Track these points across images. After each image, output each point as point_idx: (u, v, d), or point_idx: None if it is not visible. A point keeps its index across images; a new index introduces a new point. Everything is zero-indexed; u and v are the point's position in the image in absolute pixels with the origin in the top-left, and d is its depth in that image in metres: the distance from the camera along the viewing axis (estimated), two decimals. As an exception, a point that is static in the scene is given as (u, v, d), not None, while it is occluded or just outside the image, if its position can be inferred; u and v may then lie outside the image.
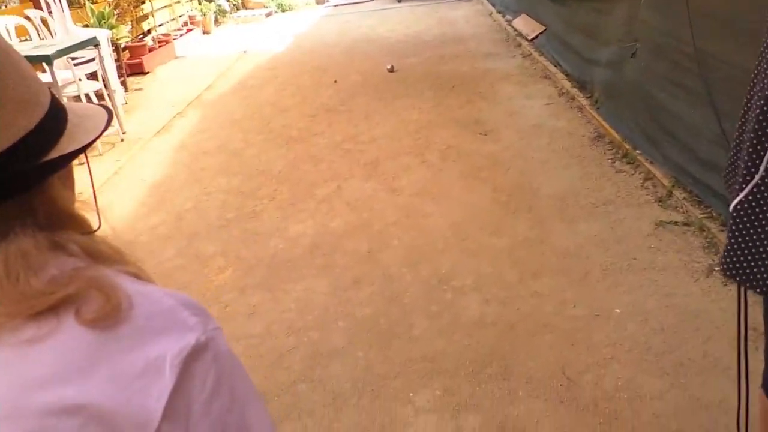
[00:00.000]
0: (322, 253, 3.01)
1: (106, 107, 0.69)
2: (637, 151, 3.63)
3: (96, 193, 0.74)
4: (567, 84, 5.07)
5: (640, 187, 3.32)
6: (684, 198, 3.03)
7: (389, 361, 2.24)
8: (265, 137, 4.75)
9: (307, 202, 3.58)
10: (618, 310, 2.35)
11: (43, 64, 4.15)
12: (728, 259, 1.26)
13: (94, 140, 0.62)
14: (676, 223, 2.90)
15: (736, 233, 1.23)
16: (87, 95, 4.86)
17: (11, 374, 0.49)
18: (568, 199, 3.28)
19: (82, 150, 0.60)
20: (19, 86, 0.54)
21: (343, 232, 3.19)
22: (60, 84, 4.72)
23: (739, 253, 1.24)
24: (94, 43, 4.74)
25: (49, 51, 4.11)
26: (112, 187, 4.03)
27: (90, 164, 0.72)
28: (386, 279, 2.74)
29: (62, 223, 0.59)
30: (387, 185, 3.70)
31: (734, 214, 1.23)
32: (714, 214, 2.84)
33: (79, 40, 4.58)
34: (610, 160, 3.71)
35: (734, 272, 1.25)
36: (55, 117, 0.58)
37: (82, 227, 0.63)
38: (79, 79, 5.04)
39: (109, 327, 0.53)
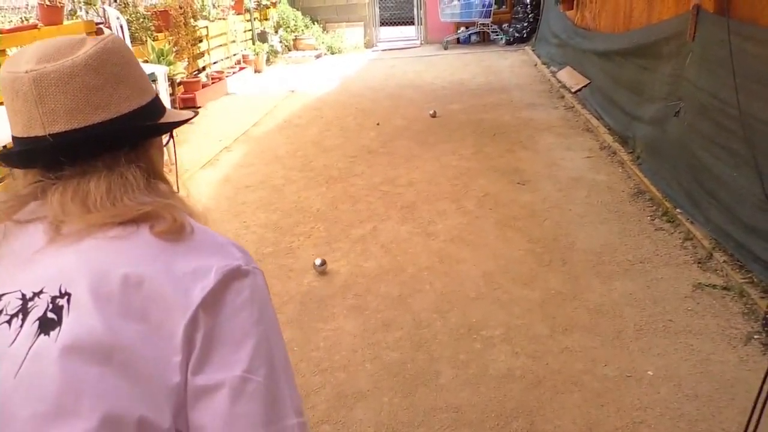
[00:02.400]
0: (354, 294, 3.05)
1: (192, 110, 1.00)
2: (678, 210, 3.58)
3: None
4: (609, 138, 5.06)
5: (680, 247, 3.26)
6: (724, 261, 2.97)
7: (414, 408, 2.23)
8: (306, 175, 4.86)
9: (342, 241, 3.64)
10: (650, 373, 2.29)
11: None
12: None
13: (184, 122, 0.89)
14: (715, 286, 2.84)
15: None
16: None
17: (101, 254, 0.72)
18: (605, 255, 3.24)
19: (175, 125, 0.87)
20: (141, 76, 0.83)
21: (376, 274, 3.23)
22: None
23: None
24: (152, 78, 4.98)
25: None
26: (157, 215, 4.17)
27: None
28: (416, 324, 2.75)
29: (155, 175, 0.83)
30: (422, 229, 3.74)
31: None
32: (755, 280, 2.76)
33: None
34: (649, 218, 3.67)
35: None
36: (158, 102, 0.86)
37: (167, 184, 0.86)
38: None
39: (173, 240, 0.74)
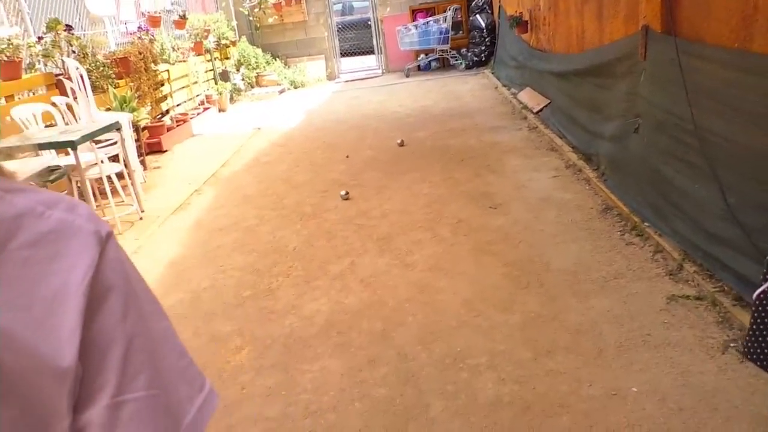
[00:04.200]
0: (336, 332, 3.04)
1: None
2: (646, 224, 3.68)
3: None
4: (573, 156, 5.19)
5: (651, 260, 3.35)
6: (695, 271, 3.06)
7: (406, 445, 2.23)
8: (279, 213, 4.86)
9: (321, 279, 3.64)
10: (635, 389, 2.34)
11: (68, 149, 4.35)
12: (752, 347, 1.29)
13: None
14: (688, 297, 2.92)
15: (758, 321, 1.27)
16: (108, 177, 5.04)
17: None
18: (579, 274, 3.31)
19: None
20: None
21: (358, 310, 3.23)
22: (83, 167, 4.92)
23: (761, 340, 1.27)
24: (116, 127, 4.96)
25: (74, 137, 4.31)
26: (131, 266, 4.11)
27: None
28: (401, 358, 2.75)
29: None
30: (400, 260, 3.76)
31: (756, 302, 1.28)
32: (725, 288, 2.85)
33: (102, 125, 4.80)
34: (619, 233, 3.76)
35: (758, 359, 1.28)
36: None
37: None
38: (102, 161, 5.25)
39: None
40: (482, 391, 2.46)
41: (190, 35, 10.13)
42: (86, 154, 4.95)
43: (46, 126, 5.45)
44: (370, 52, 13.60)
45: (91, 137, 4.57)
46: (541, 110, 6.86)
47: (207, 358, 2.91)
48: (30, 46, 5.94)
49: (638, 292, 3.05)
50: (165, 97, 8.53)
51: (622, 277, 3.21)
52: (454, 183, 5.13)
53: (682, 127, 3.34)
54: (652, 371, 2.43)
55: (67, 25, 6.17)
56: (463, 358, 2.69)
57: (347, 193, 5.08)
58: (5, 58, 5.36)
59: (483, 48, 11.46)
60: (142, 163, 6.67)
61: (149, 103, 7.71)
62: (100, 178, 4.84)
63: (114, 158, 5.40)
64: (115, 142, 5.18)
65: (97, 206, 5.14)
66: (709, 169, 3.04)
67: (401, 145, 6.58)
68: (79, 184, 4.74)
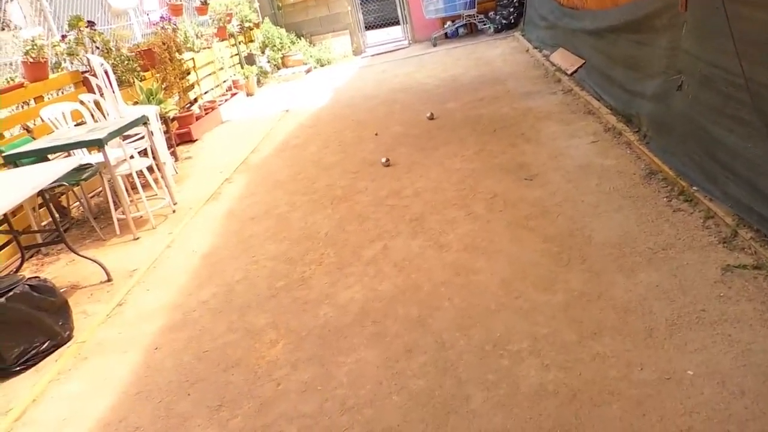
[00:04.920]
0: (371, 321, 2.96)
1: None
2: (694, 188, 3.45)
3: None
4: (612, 119, 4.93)
5: (702, 228, 3.14)
6: (751, 238, 2.84)
7: (447, 440, 2.14)
8: (310, 198, 4.78)
9: (354, 265, 3.55)
10: (690, 372, 2.18)
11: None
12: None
13: None
14: (745, 266, 2.71)
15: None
16: (140, 172, 5.04)
17: None
18: (624, 246, 3.13)
19: None
20: None
21: (392, 296, 3.13)
22: (113, 163, 4.92)
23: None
24: (143, 121, 4.94)
25: (101, 135, 4.30)
26: (166, 261, 4.12)
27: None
28: (439, 346, 2.65)
29: None
30: (434, 241, 3.64)
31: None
32: (786, 255, 2.64)
33: (130, 120, 4.78)
34: (665, 199, 3.54)
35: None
36: None
37: None
38: (131, 157, 5.25)
39: None
40: (525, 379, 2.34)
41: (213, 21, 10.07)
42: (116, 150, 4.96)
43: (76, 124, 5.48)
44: (396, 23, 13.30)
45: (118, 134, 4.55)
46: (575, 71, 6.56)
47: (242, 354, 2.86)
48: (54, 46, 5.96)
49: (689, 264, 2.85)
50: (192, 86, 8.52)
51: (671, 248, 3.02)
52: (488, 155, 4.94)
53: (730, 81, 3.08)
54: (709, 351, 2.26)
55: (89, 21, 6.16)
56: (504, 344, 2.57)
57: (388, 159, 5.18)
58: (31, 60, 5.38)
59: (512, 10, 11.05)
60: (173, 154, 6.67)
61: (176, 93, 7.70)
62: (130, 175, 4.83)
63: (144, 152, 5.40)
64: (143, 137, 5.17)
65: (130, 201, 5.16)
66: (764, 125, 2.80)
67: (431, 118, 6.40)
68: (110, 182, 4.74)
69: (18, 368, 2.93)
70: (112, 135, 4.44)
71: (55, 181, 4.25)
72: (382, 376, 2.54)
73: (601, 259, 3.07)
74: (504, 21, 11.15)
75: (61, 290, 3.86)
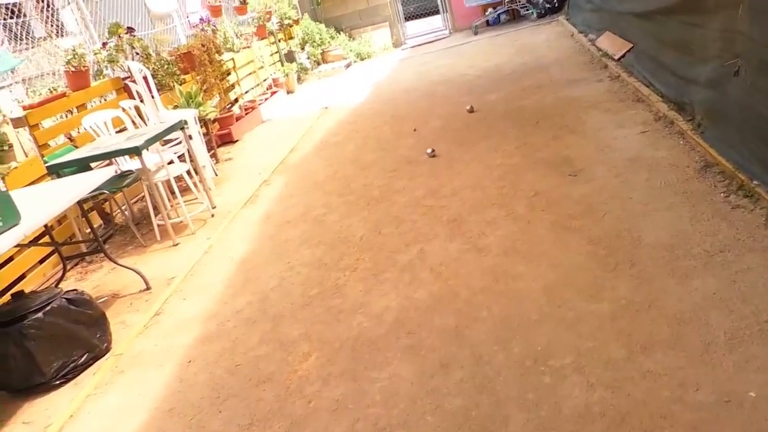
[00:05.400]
0: (406, 332, 2.84)
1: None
2: (755, 182, 3.18)
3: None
4: (663, 107, 4.64)
5: (764, 226, 2.88)
6: (820, 238, 2.59)
7: (484, 467, 2.01)
8: (347, 199, 4.70)
9: (389, 270, 3.44)
10: (753, 394, 1.98)
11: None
12: None
13: None
14: (814, 271, 2.47)
15: None
16: (180, 176, 5.07)
17: None
18: (678, 249, 2.90)
19: None
20: None
21: (428, 305, 3.01)
22: (153, 169, 4.96)
23: None
24: (180, 126, 4.95)
25: (138, 142, 4.31)
26: (203, 268, 4.11)
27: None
28: (476, 360, 2.52)
29: None
30: (472, 244, 3.49)
31: None
32: None
33: (168, 125, 4.79)
34: (722, 195, 3.28)
35: None
36: None
37: None
38: (171, 162, 5.28)
39: None
40: (568, 399, 2.18)
41: (253, 20, 10.09)
42: (155, 156, 4.99)
43: (118, 131, 5.55)
44: (436, 12, 13.06)
45: (155, 140, 4.56)
46: (623, 56, 6.24)
47: (274, 368, 2.80)
48: (96, 53, 6.05)
49: (751, 268, 2.62)
50: (232, 86, 8.56)
51: (730, 250, 2.78)
52: (530, 149, 4.74)
53: (794, 66, 2.81)
54: (774, 370, 2.05)
55: (128, 28, 6.23)
56: (545, 359, 2.41)
57: (433, 150, 5.18)
58: (72, 69, 5.47)
59: (556, -7, 10.66)
60: (214, 156, 6.71)
61: (217, 94, 7.74)
62: (175, 177, 4.86)
63: (184, 157, 5.43)
64: (180, 141, 5.19)
65: (170, 206, 5.20)
66: (834, 115, 2.53)
67: (471, 111, 6.21)
68: (149, 188, 4.78)
69: (57, 382, 2.96)
70: (149, 142, 4.45)
71: (95, 190, 4.31)
72: (416, 394, 2.42)
73: (651, 263, 2.86)
74: (548, 5, 10.78)
75: (102, 299, 3.92)
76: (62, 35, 8.15)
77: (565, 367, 2.35)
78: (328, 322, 3.09)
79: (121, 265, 3.98)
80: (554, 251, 3.20)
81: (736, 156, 3.44)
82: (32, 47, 7.49)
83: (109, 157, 4.48)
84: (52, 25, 8.18)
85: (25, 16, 7.88)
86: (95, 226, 5.28)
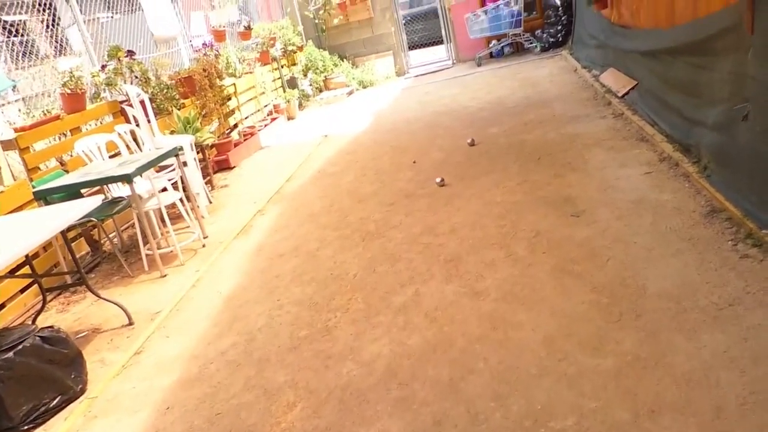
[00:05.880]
0: (398, 383, 2.68)
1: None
2: (764, 231, 3.05)
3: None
4: (668, 147, 4.54)
5: (775, 280, 2.75)
6: (837, 296, 2.45)
7: None
8: (341, 233, 4.56)
9: (383, 313, 3.30)
10: (769, 471, 1.82)
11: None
12: None
13: None
14: (831, 332, 2.32)
15: None
16: (173, 204, 4.95)
17: None
18: (684, 300, 2.76)
19: None
20: None
21: (422, 353, 2.86)
22: (146, 196, 4.84)
23: None
24: (174, 153, 4.84)
25: (129, 170, 4.20)
26: (190, 303, 3.96)
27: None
28: (471, 419, 2.36)
29: None
30: (469, 287, 3.35)
31: None
32: None
33: (161, 152, 4.69)
34: (730, 243, 3.15)
35: None
36: None
37: None
38: (164, 189, 5.17)
39: None
40: (568, 468, 2.02)
41: (257, 45, 10.08)
42: (147, 183, 4.88)
43: (112, 156, 5.45)
44: (440, 42, 13.09)
45: (147, 167, 4.45)
46: (627, 93, 6.17)
47: (256, 419, 2.64)
48: (94, 76, 5.99)
49: (762, 325, 2.47)
50: (232, 111, 8.50)
51: (739, 304, 2.64)
52: (531, 187, 4.62)
53: (808, 113, 2.70)
54: (792, 444, 1.90)
55: (128, 51, 6.17)
56: (546, 420, 2.25)
57: (442, 180, 5.14)
58: (68, 91, 5.39)
59: (559, 27, 10.67)
60: (209, 183, 6.60)
61: (216, 120, 7.67)
62: (167, 205, 4.74)
63: (177, 184, 5.32)
64: (175, 168, 5.08)
65: (161, 235, 5.07)
66: None
67: (472, 144, 6.12)
68: (139, 216, 4.65)
69: (26, 427, 2.79)
70: (141, 169, 4.34)
71: (83, 217, 4.18)
72: (405, 453, 2.26)
73: (657, 314, 2.71)
74: (551, 39, 10.78)
75: (82, 334, 3.76)
76: (67, 54, 8.12)
77: (566, 429, 2.19)
78: (316, 368, 2.94)
79: (103, 299, 3.84)
80: (555, 298, 3.05)
81: (744, 202, 3.32)
82: (38, 65, 7.44)
83: (99, 184, 4.36)
84: (57, 44, 8.16)
85: (28, 34, 7.87)
86: (83, 253, 5.15)
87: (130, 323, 3.80)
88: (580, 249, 3.48)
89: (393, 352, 2.91)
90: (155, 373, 3.19)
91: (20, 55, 7.30)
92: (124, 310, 3.81)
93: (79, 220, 4.19)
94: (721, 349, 2.40)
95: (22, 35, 7.46)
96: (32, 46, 7.78)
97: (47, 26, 7.71)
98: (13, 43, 7.34)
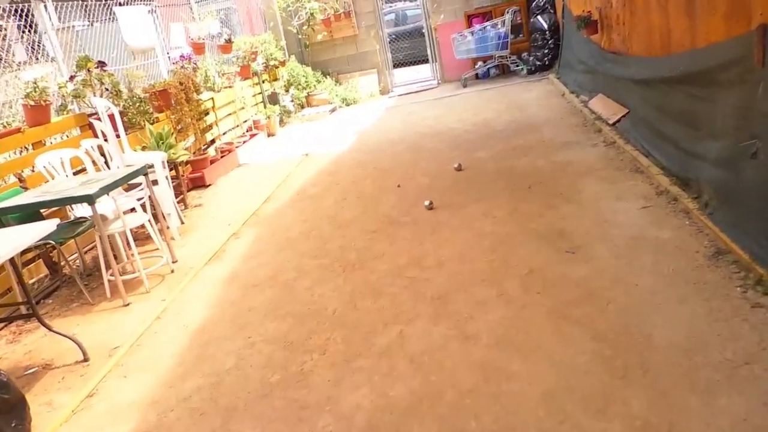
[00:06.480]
0: (380, 442, 2.40)
1: None
2: (777, 278, 2.85)
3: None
4: (664, 180, 4.35)
5: (793, 334, 2.53)
6: None
7: None
8: (321, 262, 4.28)
9: (364, 356, 3.01)
10: None
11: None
12: None
13: None
14: None
15: None
16: (140, 225, 4.63)
17: None
18: (696, 354, 2.52)
19: None
20: None
21: (407, 406, 2.57)
22: (111, 217, 4.51)
23: None
24: (143, 172, 4.52)
25: (91, 190, 3.87)
26: (153, 337, 3.63)
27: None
28: (463, 491, 2.08)
29: None
30: (459, 330, 3.08)
31: None
32: None
33: (128, 171, 4.37)
34: (739, 289, 2.93)
35: None
36: None
37: None
38: (132, 209, 4.84)
39: None
40: None
41: (238, 59, 9.80)
42: (111, 203, 4.55)
43: (76, 172, 5.11)
44: (425, 61, 12.94)
45: (112, 188, 4.13)
46: (617, 122, 6.00)
47: (217, 484, 2.33)
48: (61, 87, 5.65)
49: (785, 388, 2.24)
50: (210, 127, 8.19)
51: (757, 362, 2.41)
52: (522, 217, 4.39)
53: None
54: None
55: (99, 62, 5.85)
56: (548, 497, 1.98)
57: (431, 202, 4.96)
58: (31, 103, 5.05)
59: (546, 51, 10.58)
60: (182, 201, 6.27)
61: (192, 135, 7.35)
62: (133, 228, 4.40)
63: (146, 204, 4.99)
64: (144, 188, 4.76)
65: (127, 259, 4.73)
66: None
67: (458, 169, 5.89)
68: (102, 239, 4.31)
69: (-48, 486, 2.44)
70: (105, 189, 4.02)
71: (41, 240, 3.84)
72: None
73: (667, 370, 2.47)
74: (538, 62, 10.68)
75: (31, 371, 3.42)
76: (42, 62, 7.72)
77: None
78: (289, 420, 2.63)
79: (55, 332, 3.48)
80: (553, 346, 2.80)
81: (753, 245, 3.11)
82: (12, 71, 7.03)
83: (57, 204, 4.03)
84: (31, 51, 7.75)
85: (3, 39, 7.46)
86: (41, 276, 4.78)
87: (85, 359, 3.45)
88: (578, 290, 3.24)
89: (374, 405, 2.62)
90: (107, 422, 2.85)
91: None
92: (79, 345, 3.47)
93: (33, 243, 3.86)
94: (740, 416, 2.15)
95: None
96: (6, 51, 7.36)
97: (22, 32, 7.33)
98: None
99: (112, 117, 5.39)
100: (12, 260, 3.23)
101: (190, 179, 7.02)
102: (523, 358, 2.75)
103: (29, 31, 7.22)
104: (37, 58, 7.87)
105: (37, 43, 7.22)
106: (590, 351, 2.70)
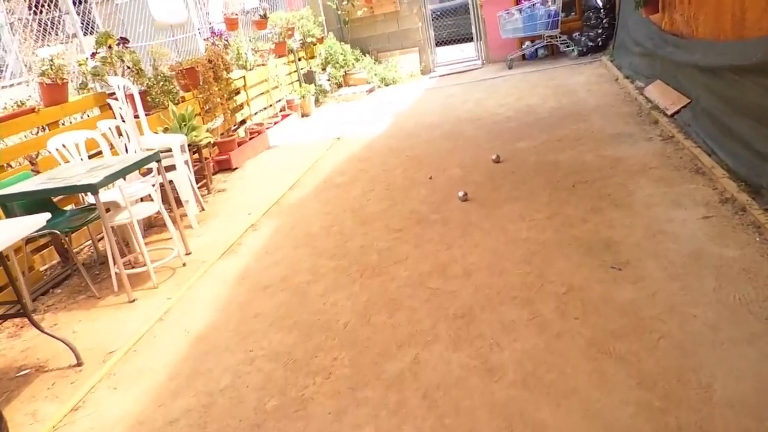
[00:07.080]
0: (378, 501, 2.05)
1: None
2: None
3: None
4: (731, 186, 3.80)
5: None
6: None
7: None
8: (338, 264, 3.93)
9: (371, 385, 2.65)
10: None
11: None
12: None
13: None
14: None
15: None
16: (155, 216, 4.37)
17: None
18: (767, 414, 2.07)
19: None
20: None
21: (414, 455, 2.21)
22: (123, 204, 4.26)
23: None
24: (156, 159, 4.25)
25: (95, 179, 3.61)
26: (151, 342, 3.36)
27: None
28: None
29: None
30: (481, 360, 2.69)
31: None
32: None
33: (137, 159, 4.09)
34: (823, 330, 2.44)
35: None
36: None
37: None
38: (142, 199, 4.59)
39: None
40: None
41: (273, 35, 9.46)
42: (132, 186, 4.30)
43: (92, 155, 4.88)
44: (469, 39, 12.34)
45: (119, 176, 3.87)
46: (677, 112, 5.41)
47: None
48: (81, 64, 5.42)
49: None
50: (240, 107, 7.90)
51: None
52: (564, 222, 3.93)
53: None
54: None
55: (121, 38, 5.59)
56: None
57: (466, 194, 4.67)
58: (48, 81, 4.82)
59: (600, 31, 9.86)
60: (205, 186, 6.02)
61: (220, 116, 7.07)
62: (134, 221, 4.15)
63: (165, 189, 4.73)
64: (152, 174, 4.48)
65: (138, 249, 4.49)
66: None
67: (497, 161, 5.43)
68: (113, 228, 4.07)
69: None
70: (110, 178, 3.76)
71: (42, 229, 3.62)
72: None
73: (730, 435, 2.03)
74: (590, 43, 9.98)
75: (23, 372, 3.22)
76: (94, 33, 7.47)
77: None
78: (279, 461, 2.31)
79: (48, 334, 3.25)
80: (590, 391, 2.38)
81: (841, 275, 2.60)
82: (66, 43, 6.83)
83: (59, 193, 3.79)
84: (83, 23, 7.55)
85: (60, 9, 7.25)
86: (53, 262, 4.60)
87: (79, 364, 3.22)
88: (624, 318, 2.79)
89: (378, 450, 2.27)
90: (85, 446, 2.59)
91: (44, 33, 6.65)
92: (73, 350, 3.23)
93: (37, 232, 3.63)
94: None
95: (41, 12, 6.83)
96: (59, 23, 7.13)
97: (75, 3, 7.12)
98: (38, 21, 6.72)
99: (131, 97, 5.13)
100: (0, 256, 2.99)
101: (216, 162, 6.77)
102: (554, 405, 2.34)
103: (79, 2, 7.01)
104: (90, 32, 7.66)
105: (88, 17, 6.97)
106: (635, 401, 2.27)
